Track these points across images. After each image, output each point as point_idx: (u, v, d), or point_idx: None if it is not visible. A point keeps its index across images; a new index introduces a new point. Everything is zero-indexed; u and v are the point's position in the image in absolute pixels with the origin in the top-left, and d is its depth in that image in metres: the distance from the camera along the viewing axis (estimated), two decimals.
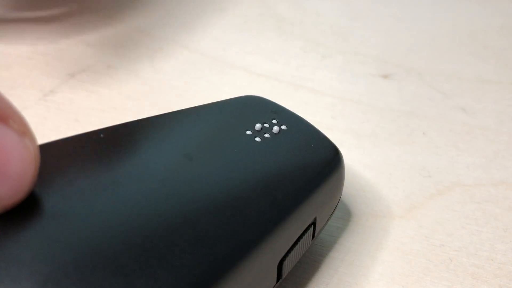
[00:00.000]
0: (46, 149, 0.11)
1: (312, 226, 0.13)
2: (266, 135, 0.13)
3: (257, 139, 0.13)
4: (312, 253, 0.15)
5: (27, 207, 0.09)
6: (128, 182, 0.11)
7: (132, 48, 0.25)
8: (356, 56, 0.25)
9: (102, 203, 0.10)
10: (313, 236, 0.13)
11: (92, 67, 0.24)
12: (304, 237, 0.12)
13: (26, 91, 0.22)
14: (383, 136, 0.20)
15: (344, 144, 0.20)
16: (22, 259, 0.08)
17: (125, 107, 0.21)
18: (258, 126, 0.14)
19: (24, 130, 0.09)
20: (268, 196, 0.12)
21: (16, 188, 0.09)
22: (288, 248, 0.12)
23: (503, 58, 0.25)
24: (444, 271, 0.15)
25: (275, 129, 0.14)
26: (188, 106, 0.15)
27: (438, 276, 0.15)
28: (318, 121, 0.21)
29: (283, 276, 0.12)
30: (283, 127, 0.14)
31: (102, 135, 0.12)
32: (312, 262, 0.15)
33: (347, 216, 0.17)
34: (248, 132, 0.13)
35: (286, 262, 0.12)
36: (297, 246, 0.12)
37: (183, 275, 0.09)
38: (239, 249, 0.10)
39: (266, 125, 0.14)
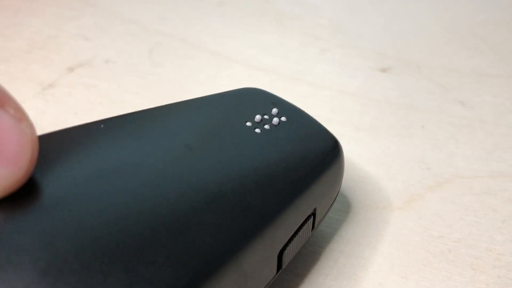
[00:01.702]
0: (47, 139, 0.11)
1: (312, 216, 0.13)
2: (266, 126, 0.13)
3: (257, 130, 0.13)
4: (312, 244, 0.15)
5: (28, 195, 0.09)
6: (128, 171, 0.11)
7: (131, 42, 0.25)
8: (355, 50, 0.25)
9: (102, 192, 0.10)
10: (313, 227, 0.13)
11: (91, 61, 0.24)
12: (304, 228, 0.13)
13: (25, 84, 0.22)
14: (382, 129, 0.20)
15: (343, 137, 0.20)
16: (23, 246, 0.08)
17: (123, 100, 0.21)
18: (258, 117, 0.14)
19: (21, 116, 0.09)
20: (268, 186, 0.12)
21: (13, 170, 0.09)
22: (288, 238, 0.12)
23: (502, 51, 0.25)
24: (443, 262, 0.15)
25: (275, 120, 0.14)
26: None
27: (437, 267, 0.15)
28: (317, 114, 0.21)
29: (283, 267, 0.12)
30: (283, 118, 0.14)
31: (102, 125, 0.12)
32: (312, 253, 0.15)
33: (346, 208, 0.17)
34: (248, 124, 0.13)
35: (286, 253, 0.12)
36: (297, 237, 0.12)
37: (184, 263, 0.09)
38: (239, 239, 0.10)
39: (266, 116, 0.14)
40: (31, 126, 0.09)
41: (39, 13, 0.27)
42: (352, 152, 0.19)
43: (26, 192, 0.09)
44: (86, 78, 0.23)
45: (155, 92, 0.22)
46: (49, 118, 0.20)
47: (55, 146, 0.11)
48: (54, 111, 0.21)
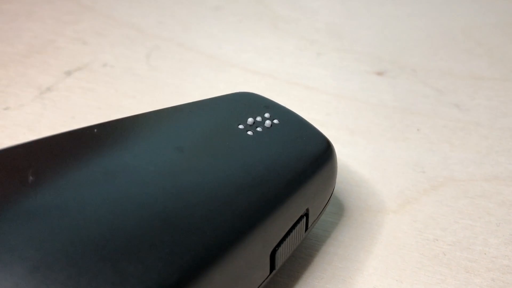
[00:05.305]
0: (41, 143, 0.11)
1: (305, 217, 0.13)
2: (258, 129, 0.14)
3: (249, 132, 0.13)
4: (306, 247, 0.15)
5: (21, 197, 0.10)
6: (120, 174, 0.11)
7: (128, 46, 0.25)
8: (351, 53, 0.25)
9: (94, 194, 0.10)
10: (306, 228, 0.13)
11: (89, 65, 0.24)
12: (297, 228, 0.13)
13: (23, 88, 0.22)
14: (377, 133, 0.20)
15: (339, 141, 0.20)
16: (14, 245, 0.09)
17: (121, 104, 0.21)
18: (250, 120, 0.14)
19: None
20: (259, 186, 0.12)
21: None
22: (280, 238, 0.12)
23: (497, 54, 0.25)
24: (437, 265, 0.15)
25: (267, 123, 0.14)
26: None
27: (432, 270, 0.15)
28: (312, 117, 0.21)
29: (277, 267, 0.12)
30: (275, 121, 0.14)
31: (96, 130, 0.12)
32: (306, 256, 0.15)
33: (341, 211, 0.17)
34: (241, 126, 0.13)
35: (279, 253, 0.12)
36: (289, 237, 0.12)
37: (173, 262, 0.09)
38: (230, 237, 0.10)
39: (258, 119, 0.14)
40: None
41: (38, 17, 0.28)
42: (348, 156, 0.19)
43: (18, 194, 0.10)
44: (84, 82, 0.23)
45: (153, 96, 0.22)
46: (47, 122, 0.20)
47: (50, 151, 0.11)
48: (52, 115, 0.21)
